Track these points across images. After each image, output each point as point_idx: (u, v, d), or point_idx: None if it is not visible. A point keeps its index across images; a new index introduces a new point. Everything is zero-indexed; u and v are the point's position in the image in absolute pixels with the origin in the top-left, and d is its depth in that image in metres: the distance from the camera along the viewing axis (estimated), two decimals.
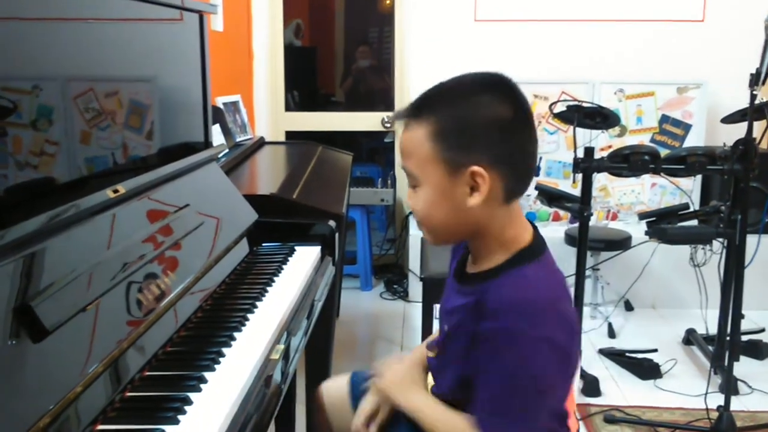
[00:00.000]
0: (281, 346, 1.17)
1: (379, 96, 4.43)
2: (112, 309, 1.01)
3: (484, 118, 0.91)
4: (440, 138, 0.92)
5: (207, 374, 0.99)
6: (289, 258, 1.59)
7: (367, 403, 1.15)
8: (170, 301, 1.14)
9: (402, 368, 1.12)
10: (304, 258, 1.61)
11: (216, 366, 1.03)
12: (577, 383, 2.52)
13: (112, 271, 1.05)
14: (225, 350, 1.08)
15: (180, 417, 0.88)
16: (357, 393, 1.22)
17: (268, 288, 1.39)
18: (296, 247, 1.66)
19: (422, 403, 1.05)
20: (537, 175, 3.49)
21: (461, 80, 0.96)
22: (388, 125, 3.75)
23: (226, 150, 2.25)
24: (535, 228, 1.01)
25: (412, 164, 0.95)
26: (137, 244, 1.15)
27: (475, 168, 0.90)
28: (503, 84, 0.94)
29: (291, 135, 3.80)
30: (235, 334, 1.15)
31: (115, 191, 1.16)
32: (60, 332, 0.88)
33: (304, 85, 4.58)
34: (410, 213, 3.46)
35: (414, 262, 3.41)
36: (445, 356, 1.04)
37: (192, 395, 0.93)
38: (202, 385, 0.96)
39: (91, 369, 0.89)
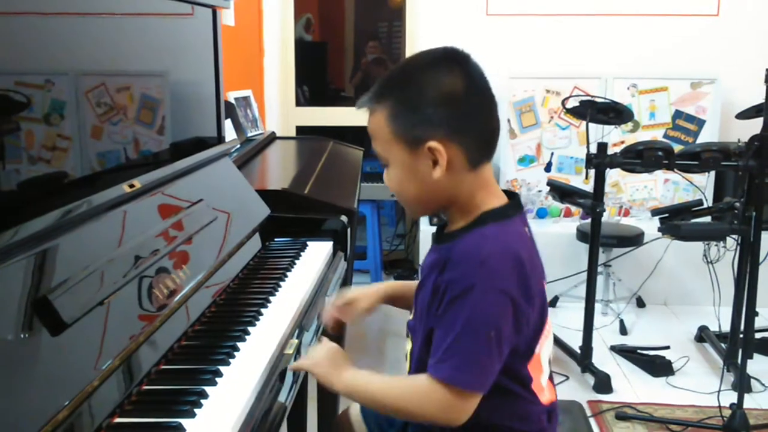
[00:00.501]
0: (295, 341, 1.17)
1: None
2: (128, 304, 1.01)
3: (435, 93, 0.95)
4: (397, 119, 0.97)
5: (222, 368, 1.00)
6: (302, 253, 1.59)
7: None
8: (184, 295, 1.14)
9: (323, 352, 1.07)
10: (316, 253, 1.61)
11: (231, 360, 1.03)
12: (586, 377, 2.51)
13: (126, 266, 1.05)
14: (240, 344, 1.08)
15: (196, 410, 0.88)
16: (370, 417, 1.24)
17: (281, 283, 1.39)
18: (308, 243, 1.65)
19: (364, 379, 1.02)
20: (548, 170, 3.47)
21: (412, 60, 1.03)
22: None
23: (238, 145, 2.24)
24: (512, 199, 1.03)
25: (378, 147, 1.00)
26: (151, 240, 1.15)
27: (431, 143, 0.95)
28: (453, 58, 0.98)
29: (301, 130, 3.80)
30: (250, 329, 1.15)
31: (131, 186, 1.16)
32: (77, 326, 0.88)
33: (315, 80, 4.57)
34: None
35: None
36: (416, 314, 1.05)
37: (208, 389, 0.93)
38: (217, 379, 0.96)
39: (108, 363, 0.89)
